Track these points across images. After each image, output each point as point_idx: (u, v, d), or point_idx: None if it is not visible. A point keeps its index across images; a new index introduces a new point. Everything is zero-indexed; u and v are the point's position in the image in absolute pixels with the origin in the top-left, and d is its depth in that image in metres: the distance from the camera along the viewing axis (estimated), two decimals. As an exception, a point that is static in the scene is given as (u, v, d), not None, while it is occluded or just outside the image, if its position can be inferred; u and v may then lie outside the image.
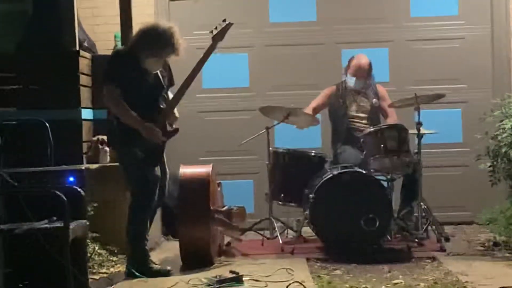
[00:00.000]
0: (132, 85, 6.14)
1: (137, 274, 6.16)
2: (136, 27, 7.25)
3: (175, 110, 6.45)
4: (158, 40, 6.18)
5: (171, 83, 6.53)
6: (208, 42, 6.58)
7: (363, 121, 7.86)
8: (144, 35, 6.24)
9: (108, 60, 6.43)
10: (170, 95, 6.50)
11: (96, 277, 6.23)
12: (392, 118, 7.87)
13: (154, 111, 6.28)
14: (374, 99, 7.91)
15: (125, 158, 6.33)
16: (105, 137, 7.17)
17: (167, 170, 6.58)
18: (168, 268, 6.35)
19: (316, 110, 8.01)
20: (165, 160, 6.53)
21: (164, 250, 7.49)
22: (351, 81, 7.88)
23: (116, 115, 6.23)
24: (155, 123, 6.23)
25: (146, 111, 6.19)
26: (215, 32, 6.45)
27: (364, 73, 7.87)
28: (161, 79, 6.34)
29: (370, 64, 7.90)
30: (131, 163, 6.26)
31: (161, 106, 6.33)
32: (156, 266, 6.36)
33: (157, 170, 6.35)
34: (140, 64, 6.21)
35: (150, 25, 6.31)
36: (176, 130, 6.45)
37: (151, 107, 6.26)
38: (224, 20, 6.47)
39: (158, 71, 6.32)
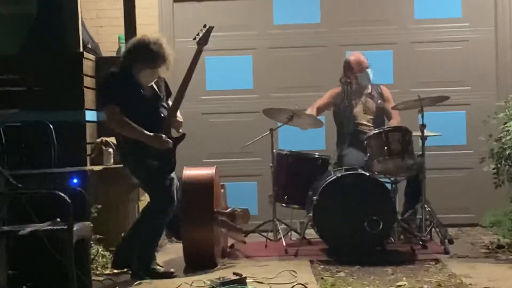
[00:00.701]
0: (130, 101, 6.19)
1: (143, 275, 6.17)
2: (140, 29, 7.29)
3: (179, 115, 6.48)
4: (147, 53, 6.25)
5: (168, 93, 6.57)
6: (212, 43, 6.65)
7: (369, 123, 7.84)
8: (134, 50, 6.32)
9: (102, 82, 6.53)
10: (171, 104, 6.54)
11: (100, 278, 6.22)
12: (396, 120, 7.86)
13: (157, 121, 6.31)
14: (379, 100, 7.90)
15: (141, 172, 6.37)
16: (108, 139, 7.19)
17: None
18: (172, 270, 6.36)
19: (320, 109, 7.99)
20: None
21: (168, 252, 7.49)
22: (362, 79, 7.84)
23: (120, 133, 6.27)
24: (160, 132, 6.26)
25: (149, 123, 6.22)
26: (197, 38, 6.55)
27: (352, 69, 7.84)
28: (157, 89, 6.39)
29: (365, 63, 7.86)
30: (147, 175, 6.31)
31: (163, 115, 6.37)
32: (160, 268, 6.37)
33: (172, 174, 6.40)
34: (134, 79, 6.25)
35: (138, 40, 6.39)
36: (183, 136, 6.48)
37: (153, 118, 6.30)
38: (205, 26, 6.58)
39: (153, 83, 6.36)
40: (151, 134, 6.19)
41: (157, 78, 6.41)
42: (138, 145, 6.20)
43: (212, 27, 6.58)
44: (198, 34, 6.58)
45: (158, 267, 6.36)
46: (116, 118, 6.20)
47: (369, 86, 7.94)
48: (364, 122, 7.86)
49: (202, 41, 6.55)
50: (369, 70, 7.84)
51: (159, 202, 6.31)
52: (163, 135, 6.25)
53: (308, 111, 7.81)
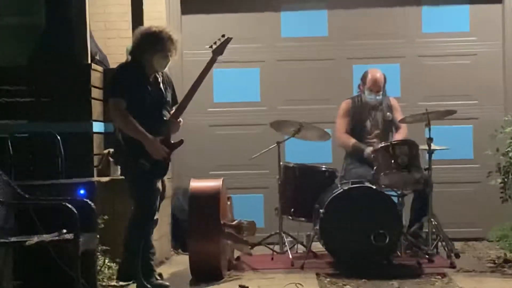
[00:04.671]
0: (137, 97, 6.13)
1: (148, 286, 6.15)
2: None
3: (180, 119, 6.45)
4: (156, 37, 6.22)
5: (174, 101, 6.52)
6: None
7: (377, 137, 7.82)
8: (141, 38, 6.28)
9: (113, 73, 6.45)
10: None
11: (106, 290, 6.23)
12: (403, 131, 7.85)
13: (158, 122, 6.26)
14: (388, 113, 7.88)
15: (134, 171, 6.28)
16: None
17: (166, 184, 6.56)
18: (166, 283, 6.27)
19: (347, 130, 7.95)
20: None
21: (174, 264, 7.49)
22: (369, 97, 7.83)
23: (120, 128, 6.22)
24: (160, 135, 6.21)
25: (151, 122, 6.17)
26: (214, 46, 6.53)
27: (380, 87, 7.84)
28: (164, 92, 6.34)
29: (385, 77, 7.89)
30: (139, 174, 6.22)
31: (165, 118, 6.33)
32: (157, 280, 6.28)
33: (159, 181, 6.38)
34: (145, 73, 6.21)
35: (142, 30, 6.38)
36: (181, 142, 6.43)
37: (156, 118, 6.24)
38: (223, 36, 6.55)
39: (161, 84, 6.31)
40: (150, 137, 6.14)
41: (166, 83, 6.40)
42: (135, 144, 6.15)
43: (231, 38, 6.53)
44: (215, 43, 6.52)
45: (154, 279, 6.27)
46: (120, 112, 6.11)
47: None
48: (373, 136, 7.85)
49: (218, 51, 6.53)
50: (370, 94, 7.81)
51: (144, 206, 6.22)
52: (159, 143, 6.19)
53: (347, 141, 7.81)
